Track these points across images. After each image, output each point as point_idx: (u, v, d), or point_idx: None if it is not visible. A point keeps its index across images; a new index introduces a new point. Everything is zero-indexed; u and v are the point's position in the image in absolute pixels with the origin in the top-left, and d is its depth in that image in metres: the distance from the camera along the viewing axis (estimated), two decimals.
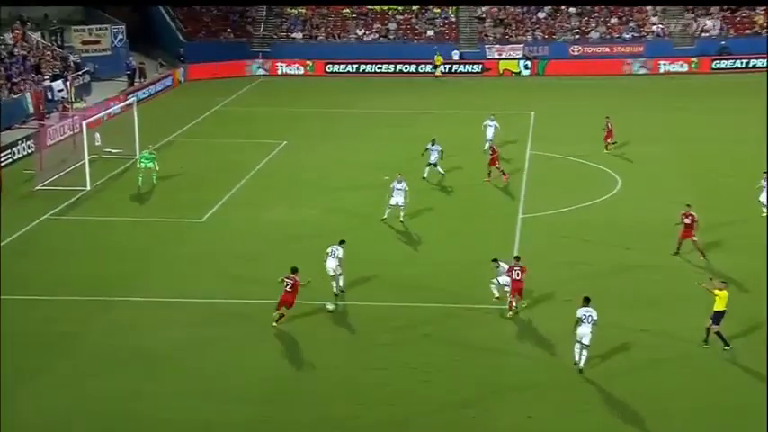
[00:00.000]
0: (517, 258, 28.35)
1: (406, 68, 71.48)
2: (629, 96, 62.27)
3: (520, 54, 72.35)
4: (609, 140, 46.32)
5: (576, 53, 72.50)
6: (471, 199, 39.92)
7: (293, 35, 75.77)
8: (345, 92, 65.61)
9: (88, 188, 41.17)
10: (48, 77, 57.58)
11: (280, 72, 72.30)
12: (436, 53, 71.10)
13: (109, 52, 66.61)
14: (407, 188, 35.81)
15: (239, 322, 28.02)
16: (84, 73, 61.29)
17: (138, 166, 41.45)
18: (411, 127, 52.63)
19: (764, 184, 35.84)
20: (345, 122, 55.53)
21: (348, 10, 77.06)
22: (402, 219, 35.84)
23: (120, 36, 67.57)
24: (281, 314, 27.33)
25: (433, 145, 41.58)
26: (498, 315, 28.27)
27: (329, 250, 29.23)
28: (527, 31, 74.77)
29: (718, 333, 25.47)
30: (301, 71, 72.19)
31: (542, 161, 45.81)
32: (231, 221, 37.18)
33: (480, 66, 71.61)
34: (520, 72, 71.21)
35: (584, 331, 24.39)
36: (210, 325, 27.92)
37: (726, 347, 25.59)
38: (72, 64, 61.34)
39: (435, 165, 41.21)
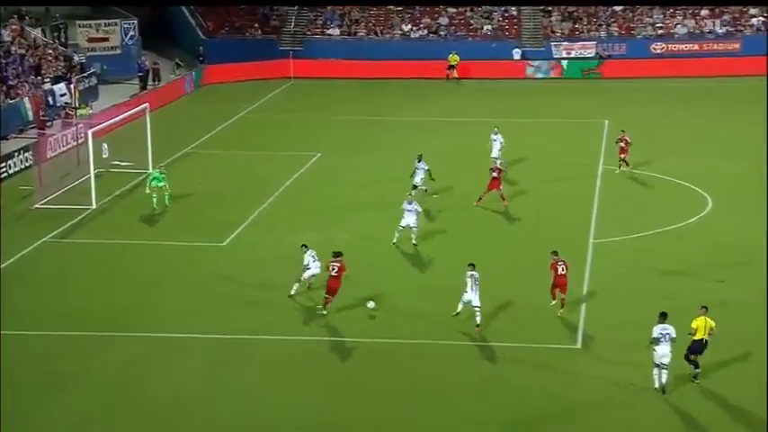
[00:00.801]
0: (555, 253, 30.37)
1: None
2: (720, 102, 61.65)
3: (592, 53, 72.08)
4: (624, 157, 45.03)
5: (658, 51, 72.03)
6: (537, 221, 39.74)
7: (329, 31, 76.12)
8: (389, 96, 65.79)
9: (94, 207, 41.51)
10: (49, 80, 58.27)
11: (313, 73, 72.64)
12: (452, 52, 70.86)
13: (118, 51, 67.32)
14: (420, 209, 36.40)
15: (261, 362, 28.02)
16: (90, 74, 61.93)
17: (149, 188, 41.21)
18: (461, 137, 52.50)
19: None
20: (388, 131, 55.57)
21: None
22: (415, 241, 36.23)
23: (131, 33, 68.25)
24: (328, 300, 30.47)
25: (419, 162, 41.65)
26: (563, 358, 28.03)
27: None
28: (600, 25, 74.48)
29: (686, 357, 26.12)
30: (338, 72, 72.45)
31: (618, 177, 45.53)
32: (256, 245, 37.30)
33: (545, 66, 71.50)
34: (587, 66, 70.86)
35: (664, 351, 25.34)
36: (228, 365, 27.94)
37: (694, 379, 26.15)
38: (77, 64, 62.06)
39: (415, 186, 40.90)
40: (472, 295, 29.02)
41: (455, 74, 70.48)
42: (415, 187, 40.78)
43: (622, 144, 45.21)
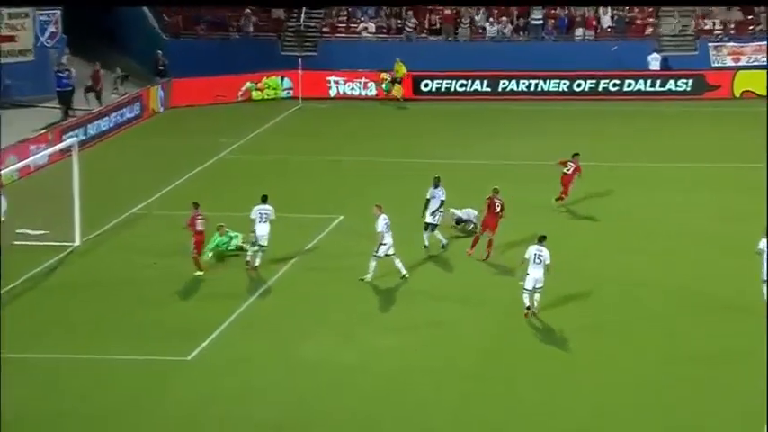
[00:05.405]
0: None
1: (560, 86, 73.08)
2: None
3: None
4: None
5: None
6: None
7: (358, 28, 76.48)
8: (447, 128, 66.74)
9: None
10: None
11: (333, 92, 73.18)
12: (397, 60, 72.22)
13: (30, 56, 68.36)
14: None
15: None
16: None
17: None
18: (553, 185, 52.04)
19: None
20: (445, 181, 55.13)
21: None
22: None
23: (50, 29, 68.91)
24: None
25: (436, 188, 45.90)
26: None
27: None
28: None
29: None
30: (371, 91, 73.12)
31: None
32: (240, 362, 37.16)
33: (694, 80, 71.84)
34: None
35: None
36: None
37: None
38: None
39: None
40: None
41: (396, 91, 71.81)
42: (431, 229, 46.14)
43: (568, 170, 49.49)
